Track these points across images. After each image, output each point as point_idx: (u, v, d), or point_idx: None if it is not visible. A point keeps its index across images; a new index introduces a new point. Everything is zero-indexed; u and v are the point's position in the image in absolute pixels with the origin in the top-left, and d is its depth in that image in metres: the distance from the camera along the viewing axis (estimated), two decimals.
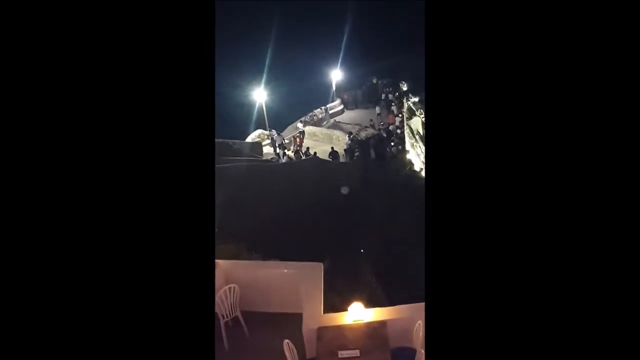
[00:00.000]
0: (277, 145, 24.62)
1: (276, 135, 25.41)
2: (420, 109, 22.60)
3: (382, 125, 25.68)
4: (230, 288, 6.26)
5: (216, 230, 8.85)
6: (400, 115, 25.26)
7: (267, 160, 22.75)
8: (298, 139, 24.97)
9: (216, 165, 17.19)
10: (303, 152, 23.24)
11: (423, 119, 21.82)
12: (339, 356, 5.19)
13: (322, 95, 29.55)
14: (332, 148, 23.28)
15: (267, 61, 28.53)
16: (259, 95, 27.45)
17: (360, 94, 29.21)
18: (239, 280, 6.48)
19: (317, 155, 21.87)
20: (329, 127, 26.96)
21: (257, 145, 24.93)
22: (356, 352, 5.21)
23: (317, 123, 27.63)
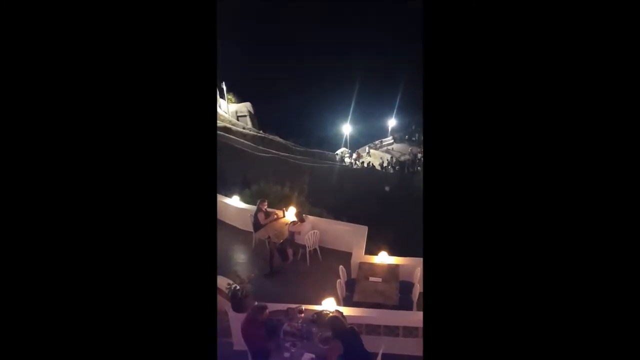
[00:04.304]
0: (352, 158, 24.65)
1: (352, 152, 25.48)
2: None
3: (413, 154, 25.06)
4: (314, 232, 6.28)
5: (311, 200, 8.96)
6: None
7: (346, 166, 22.73)
8: (357, 155, 24.99)
9: (318, 165, 17.54)
10: (365, 163, 23.06)
11: None
12: (369, 280, 5.11)
13: (381, 133, 29.09)
14: (381, 164, 23.05)
15: (351, 108, 28.24)
16: (346, 128, 27.47)
17: (404, 136, 28.53)
18: (319, 228, 6.47)
19: (374, 165, 21.81)
20: (383, 151, 26.60)
21: (341, 157, 24.98)
22: (379, 279, 5.13)
23: (376, 148, 27.34)
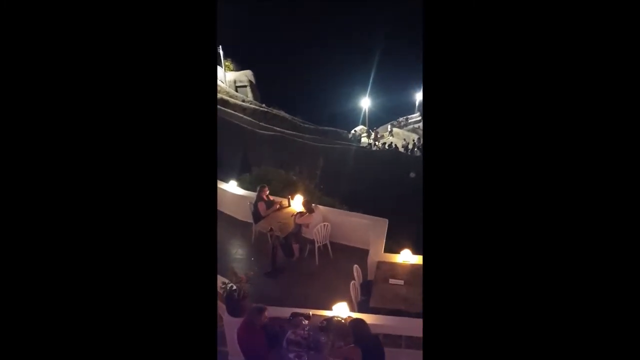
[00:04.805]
0: (371, 138, 24.56)
1: (371, 130, 25.37)
2: None
3: None
4: (324, 225, 6.28)
5: (321, 187, 8.93)
6: None
7: (364, 147, 22.62)
8: (376, 134, 25.04)
9: (330, 145, 17.47)
10: (387, 145, 22.89)
11: None
12: (389, 282, 5.11)
13: (407, 108, 28.79)
14: (406, 145, 22.91)
15: (371, 78, 27.95)
16: (364, 102, 27.27)
17: None
18: (331, 220, 6.48)
19: (397, 147, 21.74)
20: (408, 130, 26.35)
21: (358, 137, 24.90)
22: (401, 282, 5.12)
23: (400, 126, 27.13)
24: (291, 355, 3.99)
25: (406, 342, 4.55)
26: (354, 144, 21.07)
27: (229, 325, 4.65)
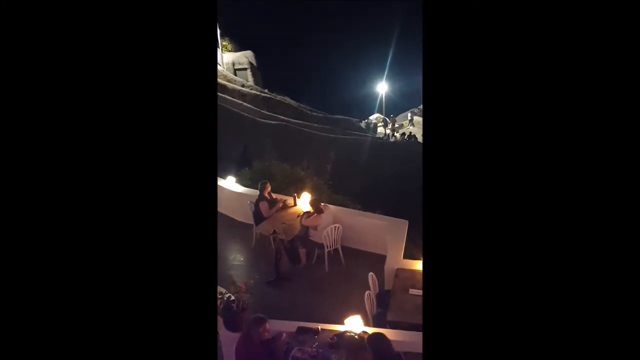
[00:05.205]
0: (389, 128, 24.52)
1: (388, 119, 25.31)
2: None
3: None
4: (335, 227, 6.28)
5: (330, 183, 8.93)
6: None
7: (380, 138, 22.60)
8: (392, 123, 25.09)
9: (342, 136, 17.46)
10: (407, 135, 22.86)
11: None
12: (409, 292, 5.10)
13: None
14: None
15: (389, 60, 27.88)
16: (381, 87, 27.23)
17: None
18: (343, 222, 6.48)
19: (417, 138, 21.70)
20: None
21: (374, 127, 24.87)
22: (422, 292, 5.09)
23: (422, 115, 27.12)
24: None
25: None
26: (368, 135, 21.02)
27: (227, 340, 4.66)
